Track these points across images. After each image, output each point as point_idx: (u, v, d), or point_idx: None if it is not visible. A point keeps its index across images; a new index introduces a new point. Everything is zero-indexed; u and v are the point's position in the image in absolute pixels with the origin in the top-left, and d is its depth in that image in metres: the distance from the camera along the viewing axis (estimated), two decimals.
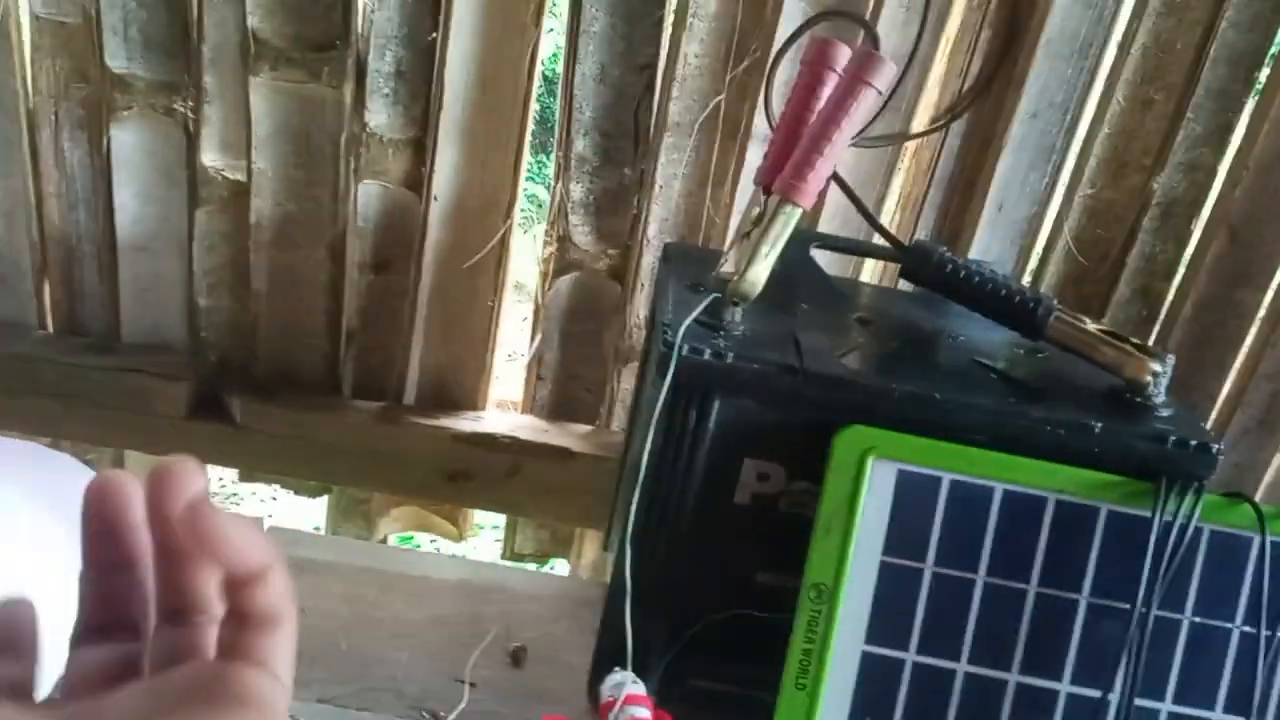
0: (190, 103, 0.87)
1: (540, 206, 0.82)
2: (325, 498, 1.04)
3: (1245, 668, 0.59)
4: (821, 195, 0.85)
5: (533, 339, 0.95)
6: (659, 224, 0.89)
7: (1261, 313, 0.91)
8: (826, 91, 0.62)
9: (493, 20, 0.83)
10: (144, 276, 0.93)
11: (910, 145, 0.88)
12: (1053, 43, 0.83)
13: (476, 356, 0.95)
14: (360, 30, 0.83)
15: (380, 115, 0.86)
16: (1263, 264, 0.89)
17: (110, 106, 0.87)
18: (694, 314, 0.61)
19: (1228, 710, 0.59)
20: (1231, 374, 0.93)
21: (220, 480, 1.11)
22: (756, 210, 0.64)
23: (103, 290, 0.95)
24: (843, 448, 0.59)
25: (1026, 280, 0.92)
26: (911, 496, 0.59)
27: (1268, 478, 0.96)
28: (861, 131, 0.80)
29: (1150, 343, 0.93)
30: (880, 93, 0.59)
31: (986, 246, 0.89)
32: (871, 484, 0.59)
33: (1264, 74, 0.84)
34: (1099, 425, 0.59)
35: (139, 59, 0.86)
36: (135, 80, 0.87)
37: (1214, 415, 0.95)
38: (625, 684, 0.60)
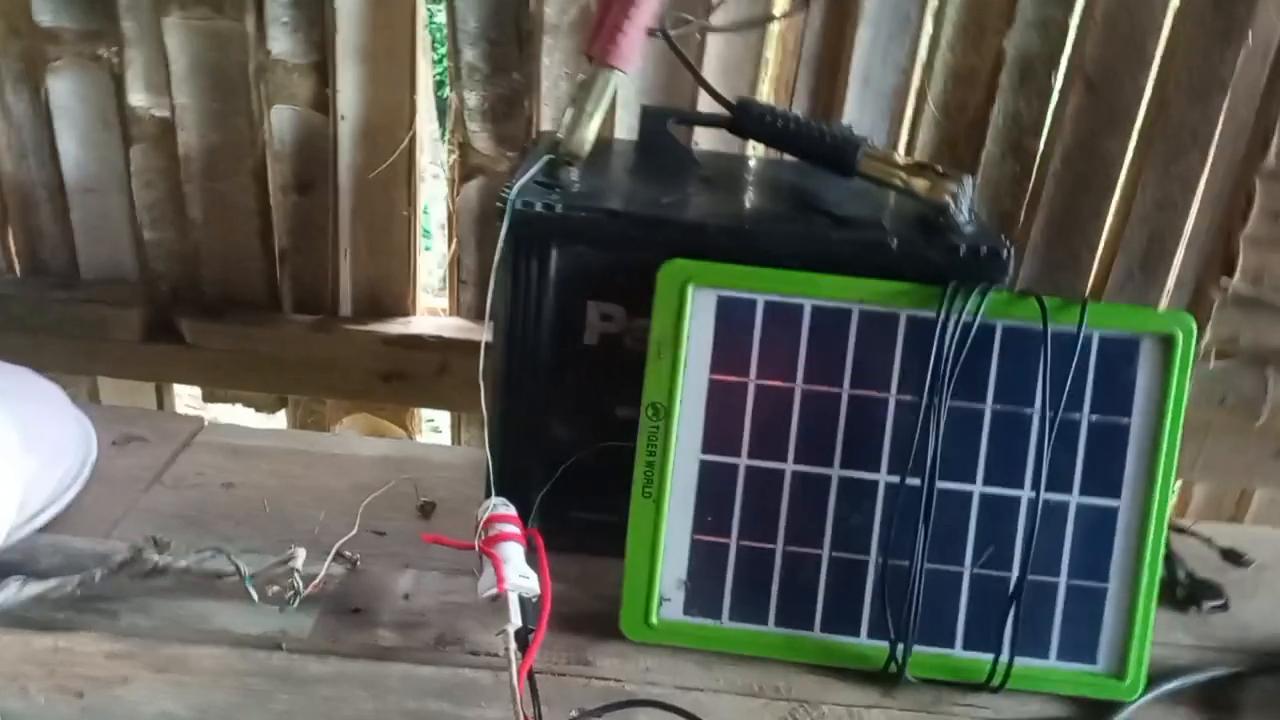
0: (114, 48, 0.95)
1: None
2: (283, 412, 1.13)
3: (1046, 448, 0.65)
4: (700, 80, 0.92)
5: (449, 244, 1.03)
6: (551, 124, 0.96)
7: (1128, 158, 0.95)
8: None
9: None
10: (93, 216, 1.02)
11: (775, 28, 0.93)
12: None
13: (401, 266, 1.03)
14: None
15: (282, 43, 0.94)
16: (1124, 111, 0.94)
17: (44, 59, 0.96)
18: (529, 173, 0.68)
19: (1034, 487, 0.65)
20: (1108, 220, 0.98)
21: (186, 403, 1.20)
22: (581, 77, 0.71)
23: (59, 231, 1.04)
24: (665, 280, 0.65)
25: (901, 147, 0.97)
26: (731, 318, 0.66)
27: None
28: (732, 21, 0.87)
29: (1026, 197, 0.98)
30: None
31: (858, 120, 0.95)
32: (694, 310, 0.65)
33: None
34: (895, 241, 0.66)
35: (64, 12, 0.94)
36: (63, 32, 0.95)
37: (1096, 262, 1.00)
38: (493, 506, 0.68)
